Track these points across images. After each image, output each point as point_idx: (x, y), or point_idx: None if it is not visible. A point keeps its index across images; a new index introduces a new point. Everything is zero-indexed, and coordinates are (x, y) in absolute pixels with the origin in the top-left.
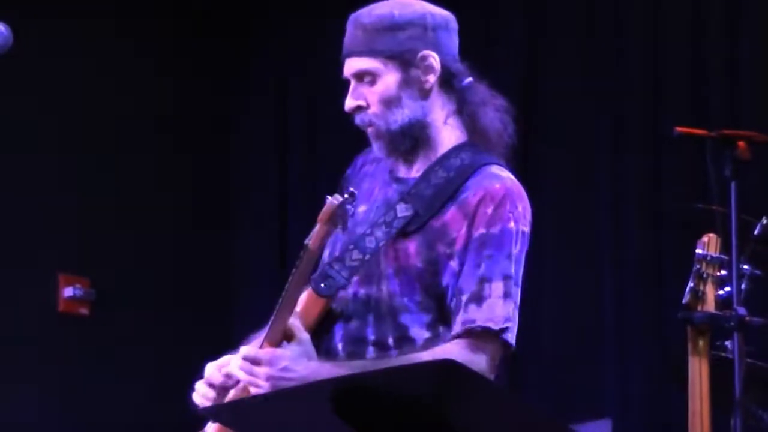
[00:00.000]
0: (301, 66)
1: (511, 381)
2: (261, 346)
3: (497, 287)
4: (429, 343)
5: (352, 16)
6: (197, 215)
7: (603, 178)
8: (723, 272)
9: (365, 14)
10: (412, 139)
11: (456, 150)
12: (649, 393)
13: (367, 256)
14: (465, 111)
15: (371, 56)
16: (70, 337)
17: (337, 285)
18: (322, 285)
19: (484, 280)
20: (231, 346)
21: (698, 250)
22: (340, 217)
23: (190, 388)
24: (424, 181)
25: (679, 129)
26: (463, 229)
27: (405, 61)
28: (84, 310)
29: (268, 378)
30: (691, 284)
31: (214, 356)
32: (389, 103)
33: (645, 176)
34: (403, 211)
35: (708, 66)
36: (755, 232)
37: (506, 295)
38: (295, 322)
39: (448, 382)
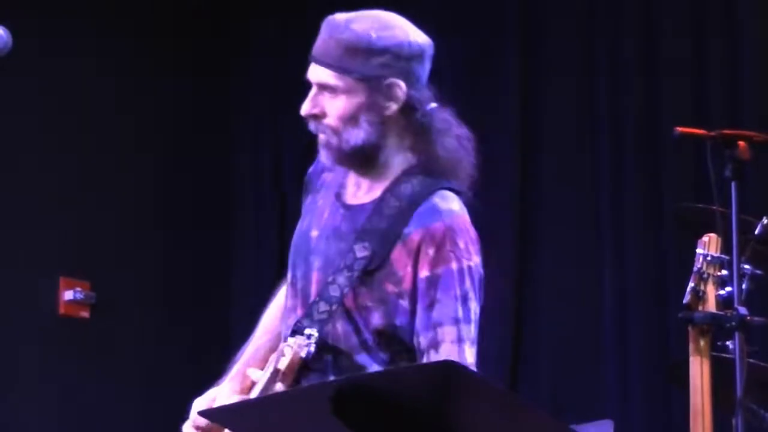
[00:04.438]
0: (300, 63)
1: (512, 381)
2: None
3: (450, 332)
4: None
5: (329, 22)
6: (197, 219)
7: (604, 178)
8: (724, 272)
9: (343, 26)
10: (361, 159)
11: (406, 175)
12: (651, 393)
13: (334, 306)
14: (422, 137)
15: (340, 73)
16: (71, 340)
17: (309, 342)
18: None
19: (436, 325)
20: (230, 350)
21: (699, 250)
22: (301, 361)
23: (190, 393)
24: (377, 213)
25: (679, 129)
26: (408, 268)
27: (372, 85)
28: (84, 314)
29: None
30: (691, 284)
31: (214, 358)
32: (347, 121)
33: (645, 176)
34: (361, 251)
35: (708, 66)
36: (756, 232)
37: (459, 339)
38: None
39: (448, 384)
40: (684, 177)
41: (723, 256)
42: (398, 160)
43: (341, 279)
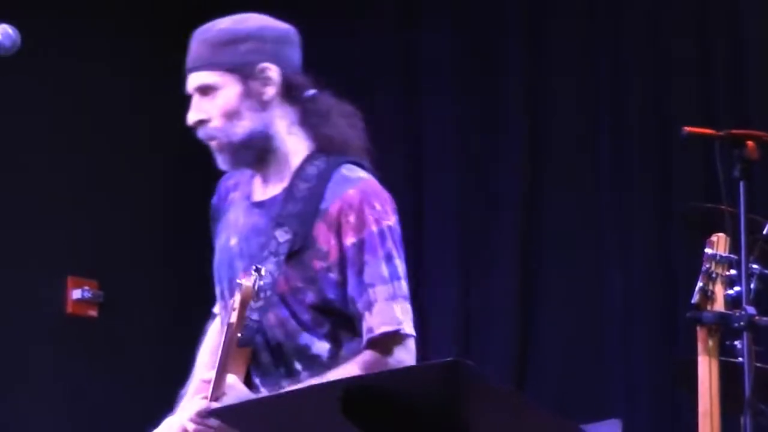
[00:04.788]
0: (306, 65)
1: (519, 381)
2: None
3: (381, 291)
4: (333, 354)
5: (195, 33)
6: (205, 218)
7: (611, 177)
8: (732, 272)
9: (207, 29)
10: (255, 150)
11: (309, 159)
12: (658, 393)
13: (269, 293)
14: (309, 122)
15: (212, 69)
16: (79, 338)
17: (252, 331)
18: (239, 336)
19: (368, 287)
20: None
21: (707, 250)
22: (255, 293)
23: None
24: (289, 199)
25: (687, 129)
26: (332, 240)
27: (245, 73)
28: (92, 312)
29: (221, 428)
30: (700, 284)
31: None
32: (230, 115)
33: (653, 176)
34: (283, 235)
35: (716, 65)
36: (764, 232)
37: (392, 296)
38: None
39: (456, 383)
40: (692, 177)
41: (731, 255)
42: (295, 148)
43: (270, 266)
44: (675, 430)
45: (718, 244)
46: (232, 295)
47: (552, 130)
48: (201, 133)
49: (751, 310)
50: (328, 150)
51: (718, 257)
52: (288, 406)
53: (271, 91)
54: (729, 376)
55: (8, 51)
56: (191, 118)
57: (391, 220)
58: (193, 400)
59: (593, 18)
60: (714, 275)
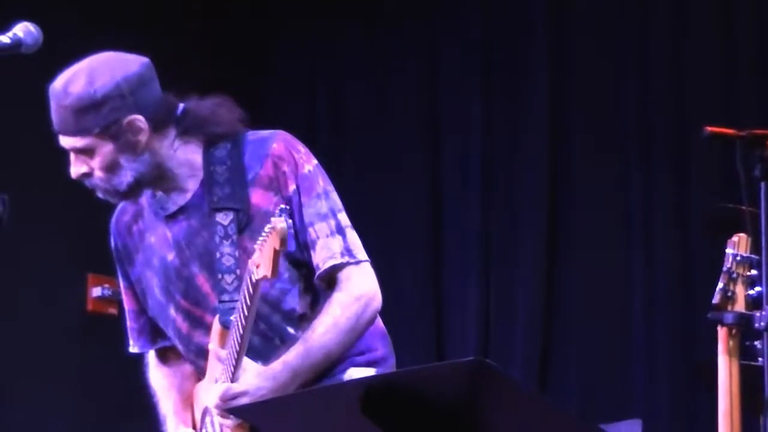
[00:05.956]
0: (327, 66)
1: (541, 381)
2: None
3: (321, 228)
4: (314, 306)
5: (52, 92)
6: None
7: (633, 177)
8: (753, 272)
9: (62, 93)
10: (147, 184)
11: (210, 148)
12: (678, 393)
13: (239, 271)
14: (190, 132)
15: (80, 135)
16: (99, 336)
17: (230, 312)
18: (232, 319)
19: (308, 226)
20: None
21: (728, 250)
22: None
23: None
24: (213, 186)
25: (709, 129)
26: (274, 198)
27: (112, 132)
28: (113, 310)
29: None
30: (721, 284)
31: None
32: (110, 169)
33: (675, 176)
34: (225, 218)
35: (737, 65)
36: None
37: (332, 231)
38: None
39: (477, 382)
40: (713, 177)
41: (752, 255)
42: (189, 155)
43: (227, 249)
44: (695, 430)
45: (739, 245)
46: (197, 304)
47: (576, 130)
48: (88, 184)
49: None
50: (222, 137)
51: (739, 257)
52: (310, 404)
53: (143, 137)
54: (749, 376)
55: (30, 49)
56: (74, 173)
57: (315, 160)
58: (210, 386)
59: (616, 18)
60: (735, 275)
